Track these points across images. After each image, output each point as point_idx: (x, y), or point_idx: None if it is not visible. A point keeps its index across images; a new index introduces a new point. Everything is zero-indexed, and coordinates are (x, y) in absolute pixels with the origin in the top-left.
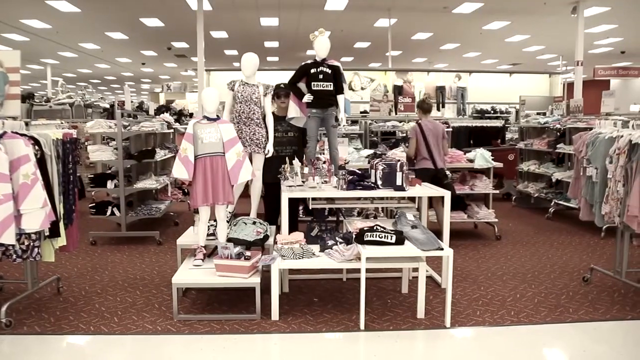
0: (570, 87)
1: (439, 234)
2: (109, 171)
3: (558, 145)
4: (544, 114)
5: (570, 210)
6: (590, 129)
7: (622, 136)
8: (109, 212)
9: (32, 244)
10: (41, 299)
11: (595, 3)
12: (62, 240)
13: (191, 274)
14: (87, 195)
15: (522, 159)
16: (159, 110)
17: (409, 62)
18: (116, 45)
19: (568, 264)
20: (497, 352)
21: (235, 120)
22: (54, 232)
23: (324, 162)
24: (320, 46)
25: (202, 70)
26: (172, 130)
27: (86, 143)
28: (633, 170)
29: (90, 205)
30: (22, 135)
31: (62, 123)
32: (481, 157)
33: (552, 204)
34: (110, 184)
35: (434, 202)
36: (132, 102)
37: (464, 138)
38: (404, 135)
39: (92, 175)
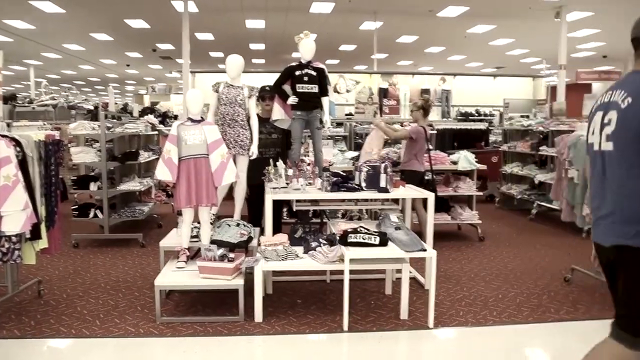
0: (553, 90)
1: (422, 235)
2: (92, 173)
3: (541, 148)
4: (528, 116)
5: (553, 212)
6: (573, 131)
7: None
8: (91, 215)
9: (12, 246)
10: (21, 302)
11: (578, 8)
12: (43, 243)
13: (174, 276)
14: (69, 197)
15: (505, 161)
16: (143, 112)
17: (395, 64)
18: (100, 47)
19: (550, 265)
20: (479, 352)
21: (220, 122)
22: (35, 234)
23: (308, 164)
24: (306, 48)
25: (187, 72)
26: (156, 132)
27: (69, 145)
28: None
29: (72, 207)
30: (3, 136)
31: (44, 124)
32: (465, 159)
33: (534, 205)
34: (93, 186)
35: (417, 204)
36: (116, 103)
37: (448, 140)
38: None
39: (74, 177)
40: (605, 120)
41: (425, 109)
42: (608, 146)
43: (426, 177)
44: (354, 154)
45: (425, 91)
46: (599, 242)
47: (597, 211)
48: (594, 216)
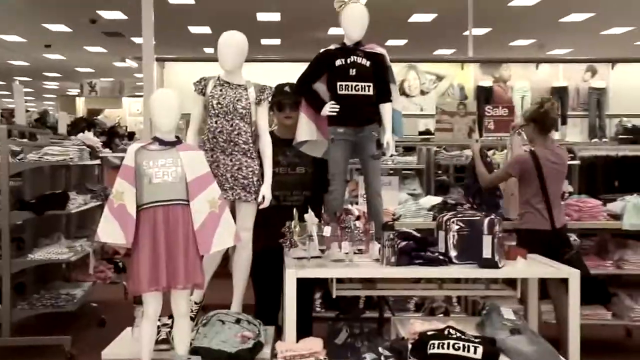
0: None
1: (559, 343)
2: None
3: None
4: None
5: None
6: None
7: None
8: None
9: None
10: None
11: None
12: None
13: None
14: None
15: None
16: (76, 127)
17: (505, 46)
18: (1, 12)
19: None
20: None
21: (209, 146)
22: None
23: (358, 218)
24: (352, 20)
25: (152, 59)
26: (98, 161)
27: None
28: None
29: None
30: None
31: None
32: (635, 210)
33: None
34: None
35: (551, 289)
36: (28, 111)
37: (603, 177)
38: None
39: None
40: None
41: (540, 122)
42: None
43: (573, 240)
44: (436, 200)
45: (560, 91)
46: None
47: None
48: None
